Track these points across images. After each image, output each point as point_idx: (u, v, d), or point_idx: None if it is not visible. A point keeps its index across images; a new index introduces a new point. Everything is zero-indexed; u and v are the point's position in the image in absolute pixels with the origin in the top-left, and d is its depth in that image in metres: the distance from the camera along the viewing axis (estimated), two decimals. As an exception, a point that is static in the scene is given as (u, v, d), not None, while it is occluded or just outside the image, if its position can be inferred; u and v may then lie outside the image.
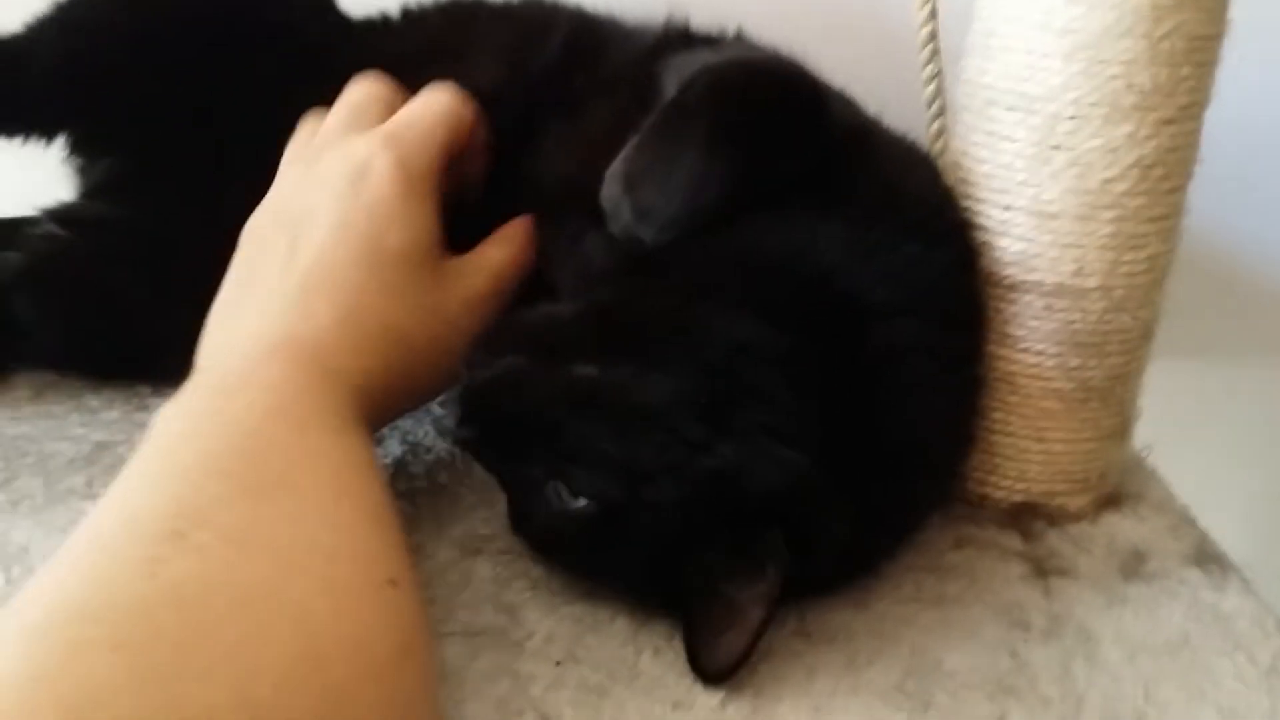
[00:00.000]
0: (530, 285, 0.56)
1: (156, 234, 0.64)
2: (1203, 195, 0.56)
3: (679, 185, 0.47)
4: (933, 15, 0.61)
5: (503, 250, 0.57)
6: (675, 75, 0.54)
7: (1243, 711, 0.46)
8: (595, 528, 0.45)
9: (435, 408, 0.64)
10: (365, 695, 0.34)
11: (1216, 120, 0.55)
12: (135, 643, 0.31)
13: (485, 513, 0.55)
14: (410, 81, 0.60)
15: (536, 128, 0.58)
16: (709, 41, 0.61)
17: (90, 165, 0.68)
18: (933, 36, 0.61)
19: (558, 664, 0.45)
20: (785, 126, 0.50)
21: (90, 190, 0.68)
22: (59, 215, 0.66)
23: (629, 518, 0.44)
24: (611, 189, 0.48)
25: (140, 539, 0.34)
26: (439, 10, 0.68)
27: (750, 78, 0.51)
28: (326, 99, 0.59)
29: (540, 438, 0.45)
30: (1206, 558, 0.56)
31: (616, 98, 0.57)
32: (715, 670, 0.44)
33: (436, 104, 0.56)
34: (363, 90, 0.58)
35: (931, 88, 0.61)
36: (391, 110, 0.57)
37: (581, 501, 0.45)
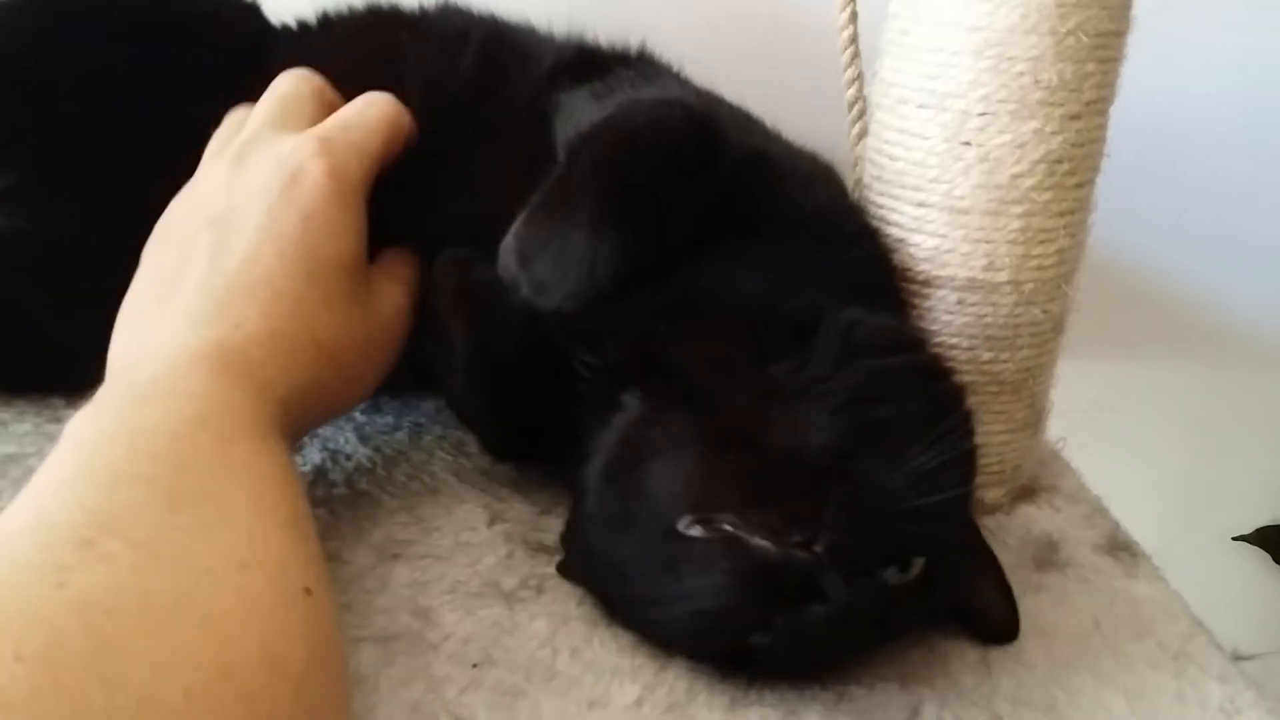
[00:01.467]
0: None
1: (59, 244, 0.62)
2: (1108, 200, 0.58)
3: (571, 263, 0.46)
4: (853, 19, 0.61)
5: (410, 267, 0.56)
6: (567, 123, 0.54)
7: (1150, 694, 0.47)
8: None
9: (356, 415, 0.63)
10: (279, 704, 0.34)
11: (1121, 124, 0.56)
12: (39, 653, 0.30)
13: (404, 518, 0.54)
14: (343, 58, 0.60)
15: (440, 155, 0.58)
16: (605, 65, 0.60)
17: None
18: (853, 40, 0.61)
19: (474, 666, 0.45)
20: (674, 184, 0.49)
21: None
22: None
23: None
24: (507, 261, 0.47)
25: (48, 546, 0.34)
26: (358, 19, 0.67)
27: (634, 141, 0.50)
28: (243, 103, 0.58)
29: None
30: (1118, 546, 0.58)
31: (511, 137, 0.57)
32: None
33: (377, 110, 0.55)
34: (293, 84, 0.56)
35: (853, 90, 0.62)
36: (323, 106, 0.56)
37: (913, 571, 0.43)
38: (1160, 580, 0.55)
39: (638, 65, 0.62)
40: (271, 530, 0.38)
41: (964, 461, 0.45)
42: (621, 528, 0.45)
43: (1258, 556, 1.10)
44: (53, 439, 0.58)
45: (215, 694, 0.32)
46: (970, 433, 0.46)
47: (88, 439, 0.40)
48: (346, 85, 0.58)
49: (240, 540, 0.36)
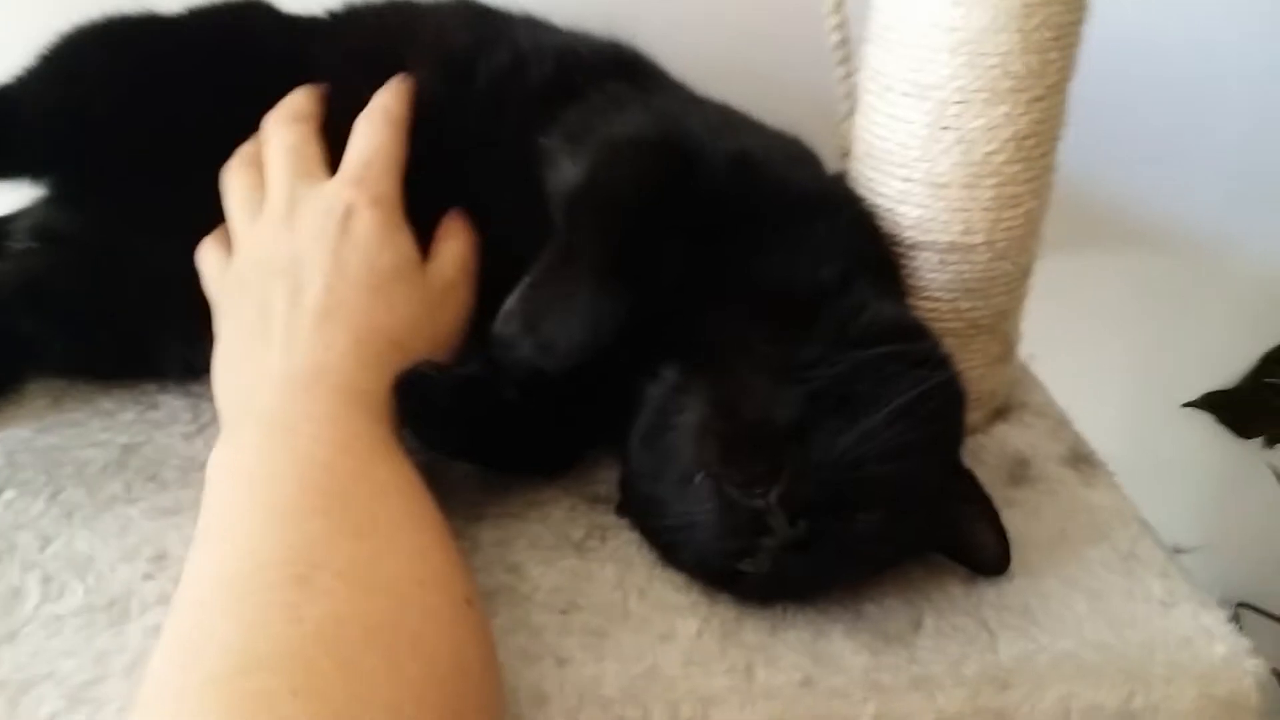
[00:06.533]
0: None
1: (127, 240, 0.68)
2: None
3: (578, 323, 0.53)
4: (841, 15, 0.68)
5: (456, 241, 0.63)
6: (552, 173, 0.60)
7: (1106, 593, 0.57)
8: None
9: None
10: (468, 704, 0.40)
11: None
12: (307, 687, 0.36)
13: (475, 482, 0.62)
14: (356, 84, 0.65)
15: (459, 154, 0.64)
16: (581, 86, 0.65)
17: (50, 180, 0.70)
18: (845, 41, 0.68)
19: (563, 612, 0.55)
20: (662, 226, 0.56)
21: (53, 200, 0.71)
22: (36, 231, 0.70)
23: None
24: (510, 327, 0.54)
25: (271, 585, 0.40)
26: (380, 12, 0.72)
27: (619, 204, 0.57)
28: (277, 99, 0.65)
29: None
30: (1079, 458, 0.68)
31: (502, 152, 0.63)
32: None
33: (382, 132, 0.62)
34: (287, 132, 0.62)
35: (844, 84, 0.69)
36: (318, 128, 0.63)
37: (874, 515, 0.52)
38: (1114, 487, 0.65)
39: (615, 77, 0.67)
40: (431, 546, 0.46)
41: (932, 425, 0.54)
42: (656, 477, 0.55)
43: (1206, 420, 1.23)
44: (155, 426, 0.68)
45: (429, 704, 0.39)
46: (947, 405, 0.56)
47: (252, 476, 0.47)
48: (370, 82, 0.65)
49: (414, 561, 0.44)
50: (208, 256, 0.63)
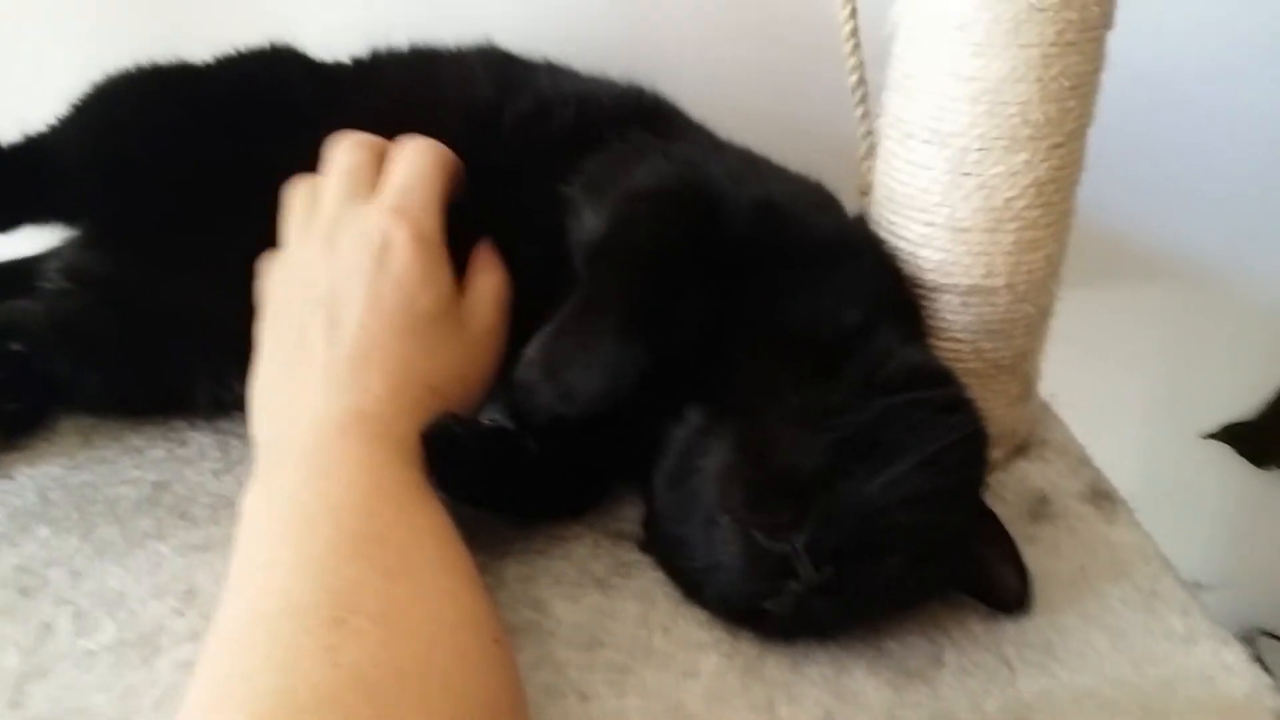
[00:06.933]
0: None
1: (159, 282, 0.69)
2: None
3: (599, 372, 0.54)
4: (858, 57, 0.69)
5: (491, 276, 0.64)
6: (575, 223, 0.61)
7: (1127, 630, 0.58)
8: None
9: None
10: None
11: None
12: None
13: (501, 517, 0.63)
14: (383, 133, 0.66)
15: (484, 202, 0.65)
16: (601, 134, 0.66)
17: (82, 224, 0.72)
18: (862, 81, 0.69)
19: (586, 649, 0.55)
20: (685, 276, 0.58)
21: (85, 242, 0.72)
22: (68, 272, 0.71)
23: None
24: (530, 374, 0.55)
25: (308, 629, 0.40)
26: (405, 58, 0.74)
27: (641, 256, 0.58)
28: (306, 143, 0.65)
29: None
30: (1099, 495, 0.68)
31: (537, 206, 0.64)
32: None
33: (428, 160, 0.62)
34: (349, 155, 0.63)
35: (863, 123, 0.70)
36: (380, 161, 0.63)
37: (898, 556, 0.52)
38: (1134, 525, 0.66)
39: (636, 123, 0.68)
40: (462, 589, 0.47)
41: (958, 473, 0.55)
42: (680, 519, 0.56)
43: (1225, 451, 1.23)
44: (185, 463, 0.69)
45: None
46: (972, 452, 0.57)
47: (288, 519, 0.47)
48: (395, 128, 0.65)
49: (446, 604, 0.45)
50: (268, 267, 0.63)
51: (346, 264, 0.58)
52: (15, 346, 0.68)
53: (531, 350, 0.56)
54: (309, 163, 0.65)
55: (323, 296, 0.58)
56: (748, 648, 0.56)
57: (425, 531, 0.49)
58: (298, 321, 0.58)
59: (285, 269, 0.61)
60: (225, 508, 0.63)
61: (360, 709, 0.39)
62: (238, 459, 0.68)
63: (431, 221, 0.60)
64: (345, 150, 0.63)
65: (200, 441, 0.70)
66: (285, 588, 0.44)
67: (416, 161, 0.62)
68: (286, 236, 0.63)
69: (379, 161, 0.63)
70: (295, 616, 0.42)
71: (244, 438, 0.60)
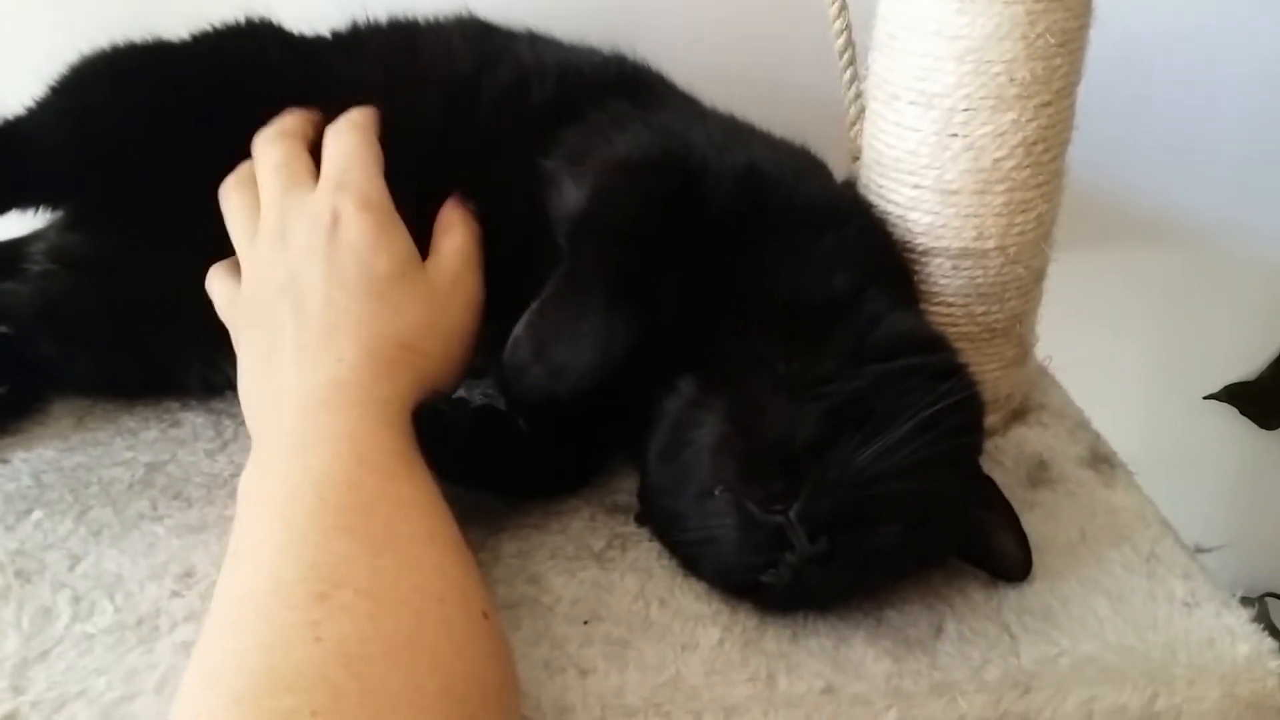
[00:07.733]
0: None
1: (144, 262, 0.69)
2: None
3: (587, 347, 0.54)
4: (844, 20, 0.68)
5: (455, 231, 0.63)
6: (555, 197, 0.61)
7: (1128, 595, 0.57)
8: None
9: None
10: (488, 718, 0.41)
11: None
12: (328, 707, 0.37)
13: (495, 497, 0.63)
14: (363, 104, 0.66)
15: (464, 174, 0.65)
16: (581, 106, 0.66)
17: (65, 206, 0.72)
18: (849, 44, 0.68)
19: (585, 623, 0.55)
20: (668, 247, 0.57)
21: (69, 224, 0.72)
22: (53, 253, 0.70)
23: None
24: (520, 354, 0.55)
25: (292, 604, 0.40)
26: (384, 31, 0.73)
27: (622, 228, 0.58)
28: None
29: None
30: (1098, 459, 0.68)
31: (505, 169, 0.63)
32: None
33: (357, 134, 0.62)
34: (275, 148, 0.63)
35: (850, 90, 0.69)
36: (305, 142, 0.63)
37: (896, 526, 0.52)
38: (1134, 488, 0.65)
39: (617, 93, 0.67)
40: (450, 561, 0.46)
41: (953, 439, 0.54)
42: (674, 492, 0.56)
43: (1228, 412, 1.23)
44: (179, 443, 0.68)
45: (447, 719, 0.39)
46: (967, 418, 0.56)
47: (274, 496, 0.47)
48: (374, 99, 0.66)
49: (433, 576, 0.45)
50: (216, 286, 0.63)
51: (302, 249, 0.58)
52: (1, 329, 0.68)
53: (519, 330, 0.56)
54: None
55: (285, 284, 0.58)
56: (746, 620, 0.56)
57: (411, 503, 0.49)
58: (266, 315, 0.58)
59: (245, 279, 0.61)
60: (220, 487, 0.63)
61: (345, 685, 0.39)
62: (232, 438, 0.68)
63: (374, 187, 0.60)
64: (269, 144, 0.64)
65: (194, 422, 0.70)
66: (271, 565, 0.44)
67: (345, 136, 0.63)
68: (235, 243, 0.63)
69: (306, 146, 0.64)
70: (280, 593, 0.42)
71: (237, 417, 0.60)
